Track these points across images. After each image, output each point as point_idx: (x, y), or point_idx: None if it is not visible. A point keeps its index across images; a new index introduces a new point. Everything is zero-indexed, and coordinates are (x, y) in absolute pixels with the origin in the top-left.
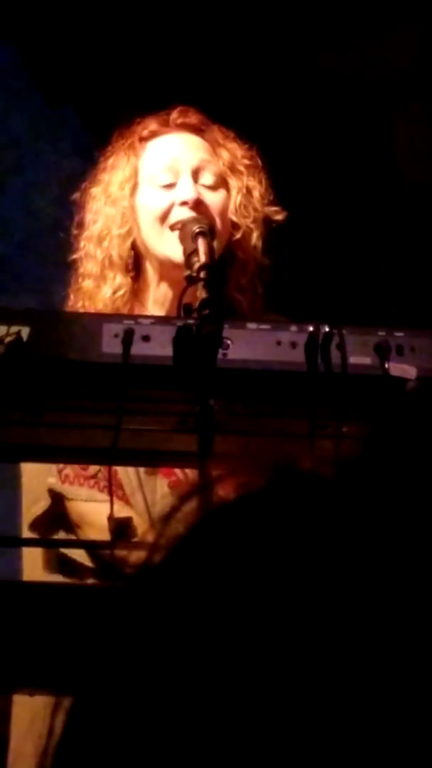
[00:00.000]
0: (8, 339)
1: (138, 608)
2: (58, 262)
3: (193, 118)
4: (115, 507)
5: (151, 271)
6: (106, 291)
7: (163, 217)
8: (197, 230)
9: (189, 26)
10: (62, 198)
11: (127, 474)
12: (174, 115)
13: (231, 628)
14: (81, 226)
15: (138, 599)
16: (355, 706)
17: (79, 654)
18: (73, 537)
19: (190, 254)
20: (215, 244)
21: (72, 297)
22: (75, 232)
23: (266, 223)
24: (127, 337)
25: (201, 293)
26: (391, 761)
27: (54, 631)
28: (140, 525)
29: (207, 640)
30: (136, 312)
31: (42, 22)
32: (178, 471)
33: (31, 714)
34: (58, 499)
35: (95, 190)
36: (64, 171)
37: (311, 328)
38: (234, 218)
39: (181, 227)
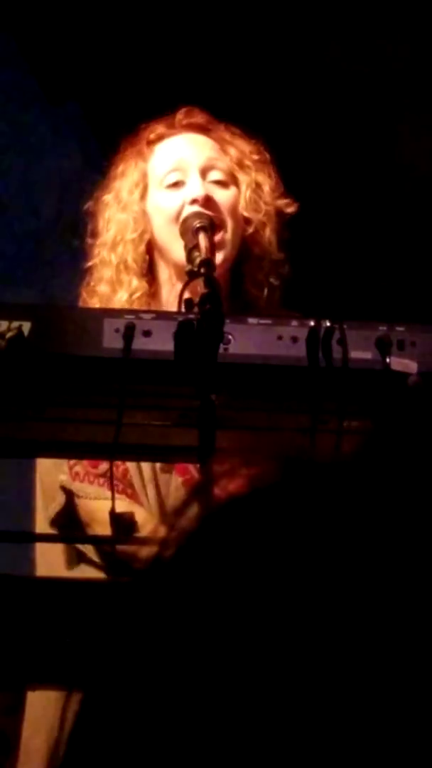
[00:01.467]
0: (9, 334)
1: (149, 602)
2: (58, 257)
3: (199, 118)
4: (124, 505)
5: (165, 272)
6: (122, 295)
7: (176, 218)
8: (198, 225)
9: (193, 21)
10: (63, 194)
11: (138, 472)
12: (179, 116)
13: (242, 622)
14: (94, 234)
15: (149, 593)
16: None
17: (91, 648)
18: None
19: (191, 249)
20: (226, 240)
21: (86, 299)
22: (89, 241)
23: (279, 216)
24: (128, 332)
25: (202, 288)
26: (391, 761)
27: (65, 626)
28: (150, 522)
29: (217, 633)
30: None
31: (43, 18)
32: (192, 469)
33: (43, 708)
34: (70, 496)
35: (107, 198)
36: (65, 167)
37: (312, 323)
38: (245, 214)
39: (182, 222)
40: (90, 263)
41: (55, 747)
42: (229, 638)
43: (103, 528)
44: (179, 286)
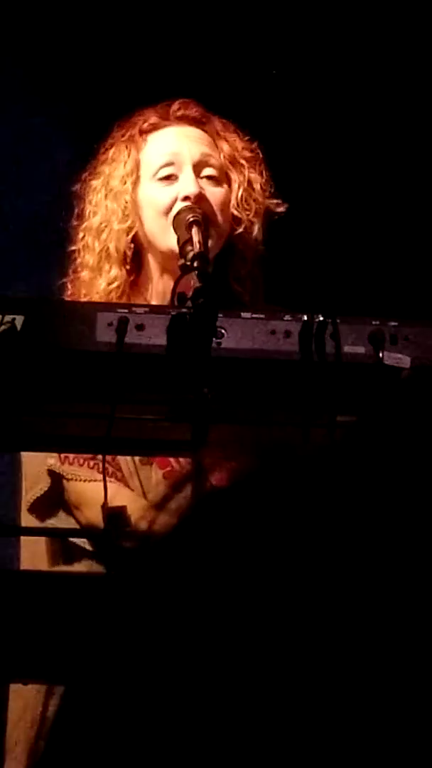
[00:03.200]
0: (2, 328)
1: (130, 596)
2: (52, 251)
3: (194, 111)
4: (114, 487)
5: (153, 263)
6: (101, 283)
7: (167, 212)
8: (191, 219)
9: (184, 17)
10: (57, 189)
11: (125, 459)
12: (174, 107)
13: (227, 614)
14: (80, 217)
15: (130, 587)
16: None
17: (72, 642)
18: (71, 519)
19: (184, 243)
20: (213, 236)
21: (69, 287)
22: (74, 223)
23: (267, 215)
24: (121, 326)
25: (195, 282)
26: (391, 761)
27: (46, 620)
28: (135, 512)
29: (202, 626)
30: None
31: (36, 18)
32: (173, 461)
33: (23, 702)
34: (57, 480)
35: (95, 183)
36: (58, 162)
37: (305, 318)
38: (235, 212)
39: (175, 216)
40: (73, 247)
41: (36, 740)
42: (215, 631)
43: (92, 510)
44: (167, 277)
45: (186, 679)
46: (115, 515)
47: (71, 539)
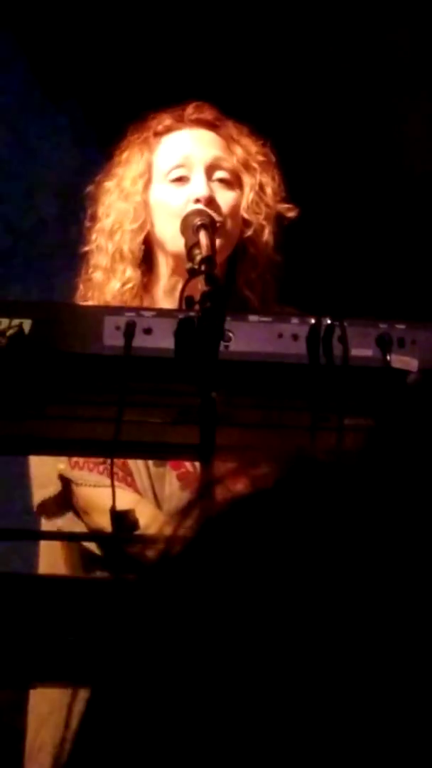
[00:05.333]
0: (10, 332)
1: (153, 601)
2: (59, 254)
3: (208, 114)
4: (124, 493)
5: (163, 264)
6: (115, 284)
7: (178, 213)
8: (198, 223)
9: (192, 20)
10: (63, 191)
11: (136, 463)
12: (189, 110)
13: (246, 622)
14: (93, 219)
15: (153, 592)
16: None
17: (96, 646)
18: (81, 523)
19: (191, 247)
20: (223, 238)
21: (82, 288)
22: (87, 224)
23: (278, 219)
24: (129, 330)
25: (202, 286)
26: (391, 761)
27: (68, 624)
28: (155, 516)
29: (222, 633)
30: (148, 305)
31: (43, 14)
32: (187, 463)
33: (49, 705)
34: (67, 485)
35: (109, 184)
36: (64, 164)
37: (313, 321)
38: (246, 216)
39: (183, 219)
40: (86, 248)
41: (61, 744)
42: (234, 638)
43: (101, 515)
44: (176, 277)
45: (207, 683)
46: (122, 519)
47: (84, 545)
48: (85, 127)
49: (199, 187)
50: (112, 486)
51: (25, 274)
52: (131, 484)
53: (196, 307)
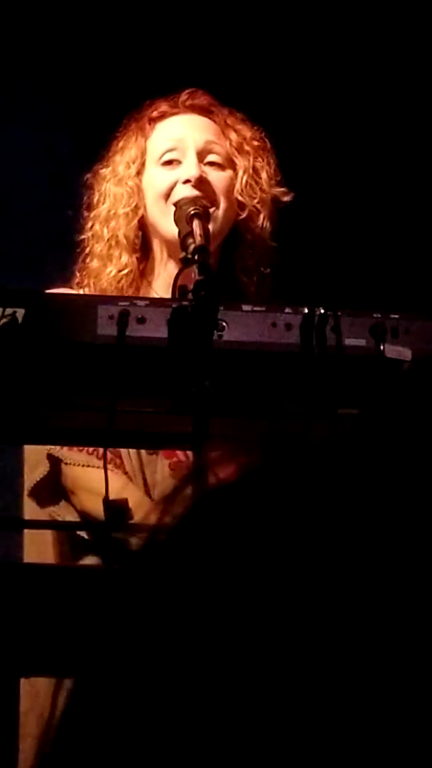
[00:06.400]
0: (3, 320)
1: (142, 588)
2: (52, 242)
3: (202, 100)
4: (112, 475)
5: (158, 250)
6: (112, 270)
7: (167, 195)
8: (192, 212)
9: (187, 7)
10: (55, 179)
11: (128, 451)
12: (183, 96)
13: (236, 607)
14: (90, 206)
15: (142, 579)
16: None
17: (80, 635)
18: (72, 509)
19: (185, 236)
20: (216, 220)
21: (78, 276)
22: (84, 213)
23: (274, 204)
24: (122, 319)
25: (196, 275)
26: (391, 761)
27: (53, 614)
28: (142, 505)
29: (211, 620)
30: (143, 291)
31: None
32: (180, 453)
33: (32, 696)
34: (56, 464)
35: (104, 171)
36: (55, 152)
37: (306, 310)
38: (240, 198)
39: (176, 209)
40: (82, 236)
41: (44, 733)
42: (224, 624)
43: (87, 495)
44: (171, 263)
45: (193, 671)
46: (114, 505)
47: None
48: (81, 116)
49: (189, 168)
50: (105, 474)
51: (18, 263)
52: (119, 466)
53: (190, 296)
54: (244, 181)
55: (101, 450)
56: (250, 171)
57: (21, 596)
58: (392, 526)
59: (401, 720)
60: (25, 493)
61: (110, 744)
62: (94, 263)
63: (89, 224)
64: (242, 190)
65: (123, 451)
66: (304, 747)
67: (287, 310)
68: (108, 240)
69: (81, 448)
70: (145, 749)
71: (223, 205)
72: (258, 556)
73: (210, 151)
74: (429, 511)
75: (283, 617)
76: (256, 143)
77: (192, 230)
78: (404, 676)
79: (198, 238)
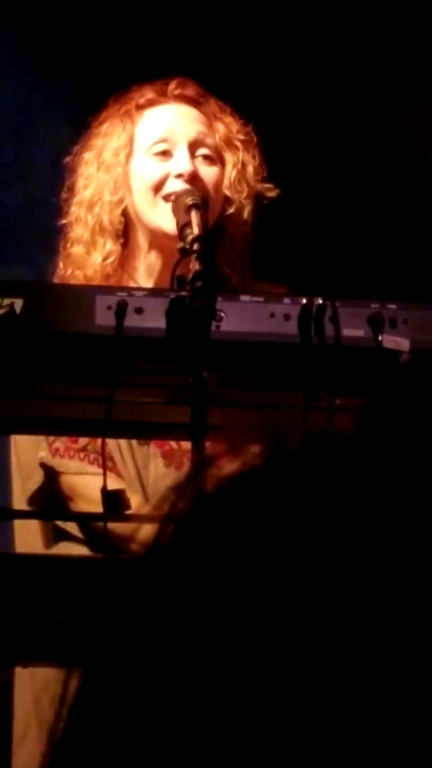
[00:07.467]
0: (1, 311)
1: (148, 582)
2: (52, 233)
3: (191, 90)
4: (110, 481)
5: (141, 239)
6: (96, 257)
7: (158, 188)
8: (190, 202)
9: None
10: (57, 170)
11: (117, 444)
12: (172, 85)
13: (240, 602)
14: (71, 190)
15: (148, 572)
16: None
17: (88, 627)
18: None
19: (183, 226)
20: (207, 217)
21: (61, 264)
22: (65, 196)
23: (258, 199)
24: (120, 309)
25: (194, 265)
26: (391, 761)
27: (59, 604)
28: (131, 494)
29: (216, 614)
30: (123, 280)
31: None
32: (171, 441)
33: (42, 683)
34: (49, 473)
35: (88, 155)
36: (57, 143)
37: (304, 301)
38: (228, 193)
39: (175, 199)
40: (64, 221)
41: (55, 721)
42: (228, 619)
43: (85, 502)
44: (153, 253)
45: (193, 666)
46: (113, 500)
47: (67, 529)
48: (78, 105)
49: (182, 162)
50: (104, 466)
51: (16, 253)
52: (112, 469)
53: (188, 286)
54: (232, 176)
55: (92, 455)
56: (239, 166)
57: (12, 587)
58: (393, 520)
59: (401, 720)
60: (22, 501)
61: (122, 731)
62: (78, 249)
63: (72, 209)
64: (230, 185)
65: (117, 455)
66: (303, 744)
67: (285, 300)
68: (92, 226)
69: (72, 455)
70: (142, 744)
71: (212, 201)
72: (259, 552)
73: (201, 144)
74: (430, 505)
75: (285, 611)
76: (243, 137)
77: (190, 220)
78: (404, 676)
79: (196, 229)
